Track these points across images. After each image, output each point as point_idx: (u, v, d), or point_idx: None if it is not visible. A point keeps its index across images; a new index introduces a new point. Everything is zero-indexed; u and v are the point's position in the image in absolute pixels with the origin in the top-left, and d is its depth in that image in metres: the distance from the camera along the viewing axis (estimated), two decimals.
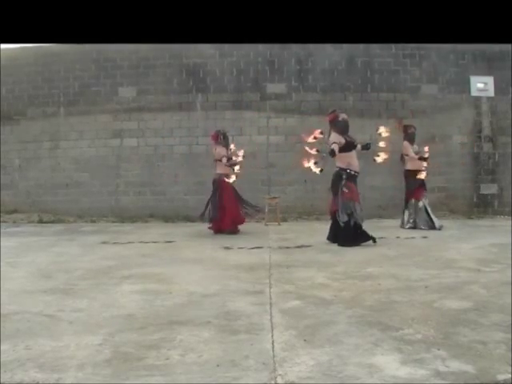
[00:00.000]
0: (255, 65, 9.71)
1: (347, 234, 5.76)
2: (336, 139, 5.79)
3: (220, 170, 7.24)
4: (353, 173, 5.89)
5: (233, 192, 7.24)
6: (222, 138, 7.29)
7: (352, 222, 5.78)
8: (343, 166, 5.87)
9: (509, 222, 8.19)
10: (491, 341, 2.43)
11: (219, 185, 7.19)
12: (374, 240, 5.79)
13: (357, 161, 5.94)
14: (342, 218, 5.79)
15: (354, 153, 5.92)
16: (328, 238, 6.05)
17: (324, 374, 2.07)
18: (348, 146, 5.84)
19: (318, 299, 3.32)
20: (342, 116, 5.97)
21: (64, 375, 2.10)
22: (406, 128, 7.62)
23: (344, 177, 5.84)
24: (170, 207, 9.51)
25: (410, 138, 7.50)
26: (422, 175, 7.42)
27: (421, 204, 7.38)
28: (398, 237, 6.49)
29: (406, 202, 7.53)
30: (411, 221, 7.44)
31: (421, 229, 7.22)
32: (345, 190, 5.80)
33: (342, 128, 5.89)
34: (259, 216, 8.81)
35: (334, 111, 6.08)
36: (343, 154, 5.80)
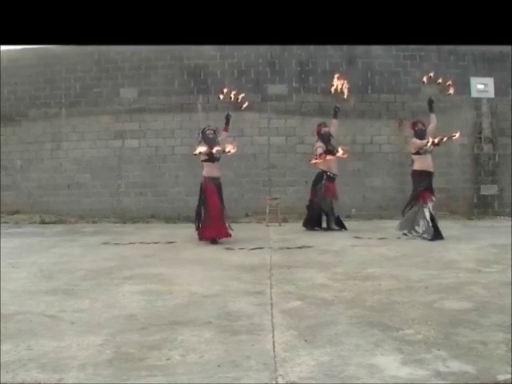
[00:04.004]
0: (256, 66, 9.72)
1: (316, 219, 7.50)
2: (320, 145, 7.35)
3: (205, 172, 6.61)
4: (331, 175, 7.40)
5: (218, 197, 6.53)
6: (200, 136, 6.73)
7: (324, 213, 7.43)
8: (324, 168, 7.36)
9: (509, 222, 8.20)
10: (491, 341, 2.44)
11: (204, 189, 6.57)
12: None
13: (335, 165, 7.43)
14: (320, 209, 7.46)
15: (333, 159, 7.32)
16: (304, 225, 7.67)
17: (325, 375, 2.08)
18: (329, 153, 7.26)
19: (319, 300, 3.33)
20: (324, 130, 7.44)
21: (66, 375, 2.11)
22: (413, 125, 7.05)
23: (324, 177, 7.38)
24: (171, 208, 9.52)
25: (418, 134, 6.87)
26: None
27: (425, 209, 6.60)
28: (398, 237, 6.49)
29: (407, 205, 6.90)
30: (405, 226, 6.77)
31: (423, 238, 6.42)
32: (325, 187, 7.38)
33: (324, 139, 7.39)
34: (260, 217, 8.84)
35: (319, 124, 7.56)
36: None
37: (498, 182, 9.75)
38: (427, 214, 6.56)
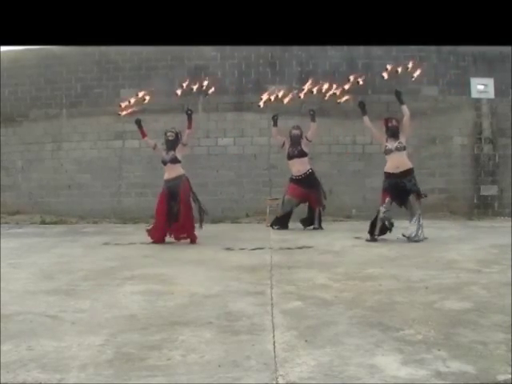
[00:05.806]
0: (256, 67, 9.73)
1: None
2: (286, 143, 7.98)
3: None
4: (293, 177, 7.86)
5: (165, 202, 6.45)
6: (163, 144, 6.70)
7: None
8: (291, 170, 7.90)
9: (509, 223, 8.20)
10: (491, 341, 2.44)
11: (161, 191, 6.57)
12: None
13: (296, 167, 7.82)
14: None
15: (293, 161, 7.82)
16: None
17: (325, 375, 2.08)
18: (288, 155, 7.88)
19: (319, 300, 3.33)
20: (294, 132, 7.87)
21: (66, 375, 2.11)
22: (386, 121, 6.55)
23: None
24: None
25: (390, 132, 6.43)
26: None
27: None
28: (398, 238, 6.49)
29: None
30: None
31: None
32: (286, 188, 7.99)
33: (292, 141, 7.86)
34: (260, 217, 8.84)
35: (292, 127, 7.93)
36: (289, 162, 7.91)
37: (498, 182, 9.76)
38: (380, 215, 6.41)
